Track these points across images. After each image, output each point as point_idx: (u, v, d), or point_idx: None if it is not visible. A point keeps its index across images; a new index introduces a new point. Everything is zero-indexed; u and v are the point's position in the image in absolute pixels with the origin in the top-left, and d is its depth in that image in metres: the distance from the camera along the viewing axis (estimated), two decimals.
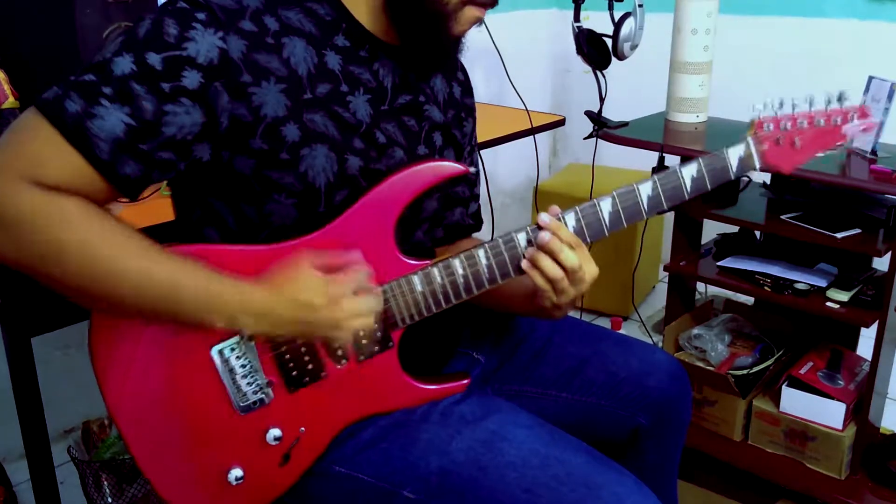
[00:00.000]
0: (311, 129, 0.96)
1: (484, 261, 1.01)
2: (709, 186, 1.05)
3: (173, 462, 1.00)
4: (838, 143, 1.07)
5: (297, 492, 1.04)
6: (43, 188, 0.85)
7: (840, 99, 1.07)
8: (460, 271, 1.01)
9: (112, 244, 0.87)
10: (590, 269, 1.02)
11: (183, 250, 0.94)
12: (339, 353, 1.00)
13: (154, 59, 0.88)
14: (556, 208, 1.02)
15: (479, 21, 1.03)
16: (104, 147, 0.86)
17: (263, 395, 1.00)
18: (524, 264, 1.01)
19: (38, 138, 0.86)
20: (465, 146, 1.20)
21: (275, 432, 1.00)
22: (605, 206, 1.02)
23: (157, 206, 1.35)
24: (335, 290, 0.93)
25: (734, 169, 1.05)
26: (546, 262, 0.99)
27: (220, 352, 0.98)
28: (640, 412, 1.21)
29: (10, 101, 1.43)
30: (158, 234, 0.94)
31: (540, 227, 1.00)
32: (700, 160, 1.04)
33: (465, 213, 1.25)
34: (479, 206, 1.29)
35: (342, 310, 0.93)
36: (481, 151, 1.94)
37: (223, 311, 0.91)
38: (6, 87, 1.44)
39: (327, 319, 0.93)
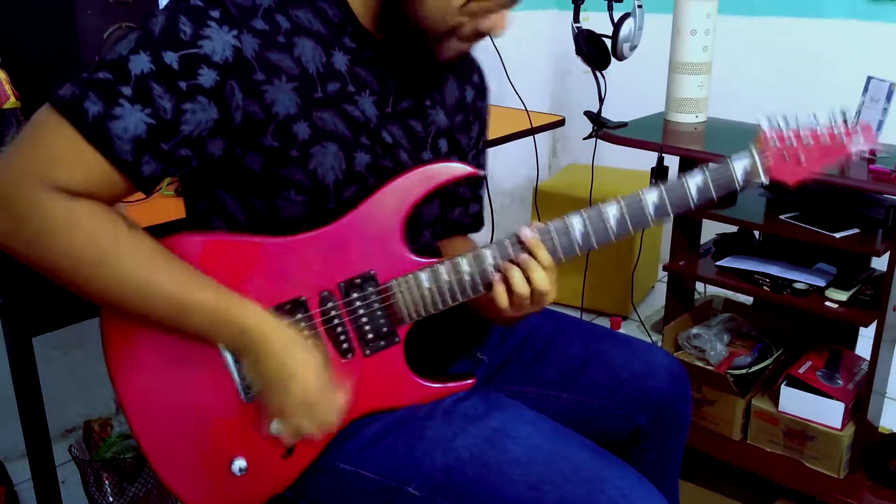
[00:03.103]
0: (321, 128, 0.97)
1: (490, 260, 1.02)
2: (714, 197, 1.06)
3: (180, 452, 1.01)
4: (842, 159, 1.09)
5: (301, 488, 1.04)
6: (64, 194, 0.86)
7: (844, 115, 1.08)
8: (467, 269, 1.02)
9: (126, 258, 0.88)
10: (551, 293, 1.02)
11: (198, 239, 0.96)
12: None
13: (171, 57, 0.88)
14: (537, 225, 1.03)
15: (465, 52, 1.03)
16: (127, 148, 0.87)
17: None
18: (495, 278, 1.01)
19: (59, 140, 0.86)
20: (469, 151, 1.20)
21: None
22: (612, 212, 1.03)
23: (158, 206, 1.35)
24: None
25: (740, 181, 1.06)
26: (516, 278, 1.00)
27: None
28: (640, 412, 1.22)
29: (12, 101, 1.43)
30: (160, 233, 0.94)
31: (520, 241, 1.01)
32: (706, 172, 1.05)
33: (465, 213, 1.25)
34: (482, 207, 1.29)
35: (310, 392, 0.94)
36: None
37: (228, 339, 0.94)
38: (7, 87, 1.44)
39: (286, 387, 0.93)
